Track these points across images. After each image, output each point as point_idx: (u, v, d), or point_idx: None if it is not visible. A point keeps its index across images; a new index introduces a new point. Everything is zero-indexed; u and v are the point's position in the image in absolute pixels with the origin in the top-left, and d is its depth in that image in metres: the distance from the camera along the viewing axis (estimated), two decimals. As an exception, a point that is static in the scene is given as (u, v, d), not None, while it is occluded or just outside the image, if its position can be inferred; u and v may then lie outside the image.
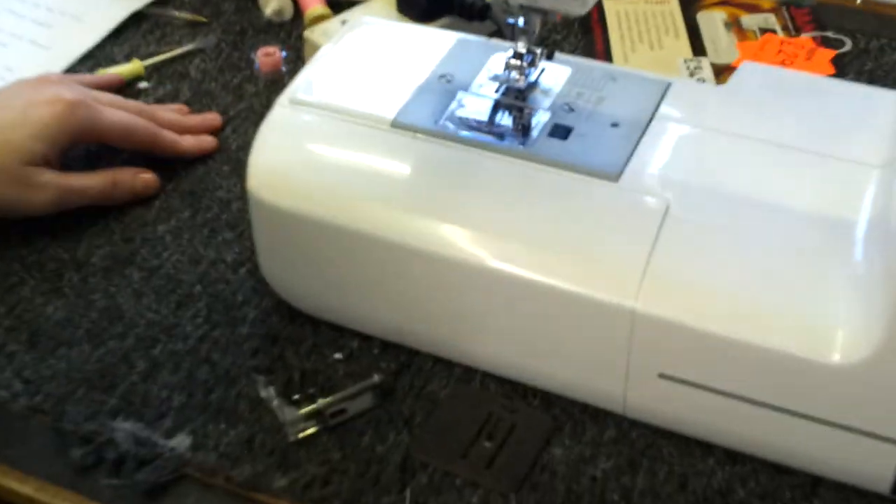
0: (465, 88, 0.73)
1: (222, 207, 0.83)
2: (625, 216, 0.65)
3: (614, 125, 0.70)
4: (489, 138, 0.70)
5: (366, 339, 0.73)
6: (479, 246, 0.65)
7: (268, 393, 0.69)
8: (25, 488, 0.66)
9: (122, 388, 0.71)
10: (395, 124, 0.71)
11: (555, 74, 0.74)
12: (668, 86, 0.73)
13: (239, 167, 0.85)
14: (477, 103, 0.72)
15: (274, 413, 0.68)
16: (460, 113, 0.72)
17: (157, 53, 0.97)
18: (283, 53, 0.95)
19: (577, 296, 0.63)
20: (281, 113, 0.73)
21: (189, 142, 0.87)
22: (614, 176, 0.66)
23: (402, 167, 0.69)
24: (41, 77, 0.84)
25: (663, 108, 0.71)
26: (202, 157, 0.87)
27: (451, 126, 0.71)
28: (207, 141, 0.88)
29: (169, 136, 0.86)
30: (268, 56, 0.94)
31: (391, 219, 0.67)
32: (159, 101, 0.93)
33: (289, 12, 1.00)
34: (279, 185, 0.70)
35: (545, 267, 0.64)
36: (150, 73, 0.95)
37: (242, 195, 0.83)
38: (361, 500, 0.64)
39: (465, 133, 0.70)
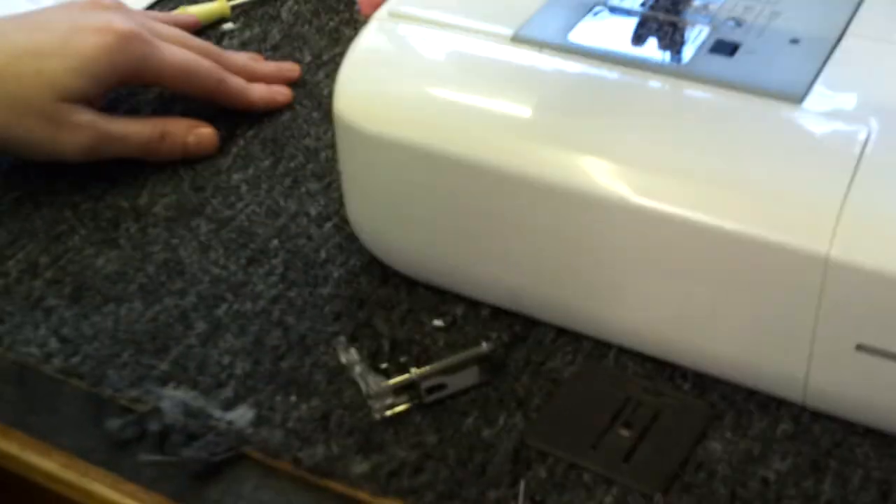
0: (604, 2, 0.60)
1: (308, 156, 0.70)
2: (813, 144, 0.50)
3: (794, 41, 0.56)
4: (634, 54, 0.56)
5: (472, 305, 0.59)
6: (625, 180, 0.51)
7: (349, 357, 0.55)
8: (48, 463, 0.54)
9: (176, 351, 0.58)
10: (518, 38, 0.57)
11: (712, -15, 0.60)
12: (859, 2, 0.58)
13: (331, 114, 0.73)
14: (618, 17, 0.59)
15: (356, 385, 0.55)
16: (598, 27, 0.58)
17: (246, -6, 0.85)
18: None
19: (750, 240, 0.48)
20: (378, 26, 0.60)
21: (259, 91, 0.74)
22: (797, 97, 0.52)
23: (525, 86, 0.56)
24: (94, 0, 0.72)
25: (855, 25, 0.57)
26: (289, 104, 0.75)
27: (586, 41, 0.57)
28: (281, 93, 0.75)
29: (236, 82, 0.73)
30: (369, -4, 0.82)
31: (512, 146, 0.53)
32: (244, 45, 0.81)
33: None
34: (373, 106, 0.57)
35: (711, 205, 0.49)
36: (237, 15, 0.84)
37: (334, 143, 0.70)
38: (462, 494, 0.50)
39: (603, 48, 0.56)
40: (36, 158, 0.68)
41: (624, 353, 0.56)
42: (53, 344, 0.59)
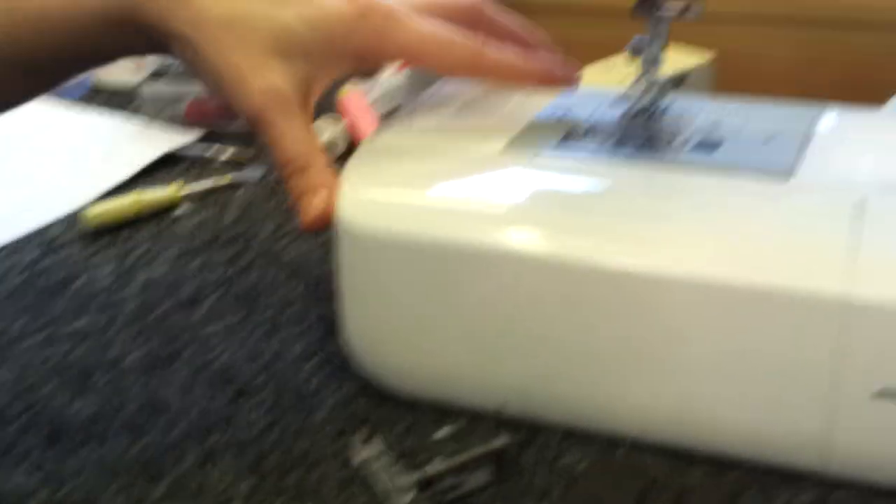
0: (585, 118, 0.63)
1: (283, 306, 0.70)
2: (814, 202, 0.53)
3: (770, 138, 0.59)
4: (624, 152, 0.59)
5: (475, 416, 0.58)
6: (641, 254, 0.52)
7: (368, 452, 0.53)
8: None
9: (171, 477, 0.55)
10: (508, 150, 0.60)
11: (683, 104, 0.64)
12: (821, 110, 0.63)
13: (299, 272, 0.74)
14: (601, 126, 0.62)
15: (370, 489, 0.53)
16: (583, 139, 0.61)
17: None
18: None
19: (764, 292, 0.49)
20: (373, 144, 0.62)
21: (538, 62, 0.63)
22: (785, 174, 0.55)
23: (527, 182, 0.57)
24: None
25: (822, 126, 0.61)
26: (253, 265, 0.75)
27: (575, 146, 0.60)
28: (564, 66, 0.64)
29: (501, 54, 0.62)
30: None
31: (523, 237, 0.54)
32: (199, 226, 0.81)
33: (342, 146, 0.90)
34: (380, 206, 0.57)
35: (721, 264, 0.51)
36: (189, 203, 0.85)
37: (306, 295, 0.71)
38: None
39: (593, 151, 0.59)
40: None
41: (636, 446, 0.55)
42: (36, 479, 0.55)
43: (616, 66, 0.95)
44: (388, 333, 0.59)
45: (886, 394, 0.49)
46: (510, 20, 0.65)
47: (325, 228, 0.58)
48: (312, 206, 0.57)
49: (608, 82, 0.90)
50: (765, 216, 0.52)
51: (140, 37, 0.58)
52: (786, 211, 0.52)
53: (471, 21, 0.63)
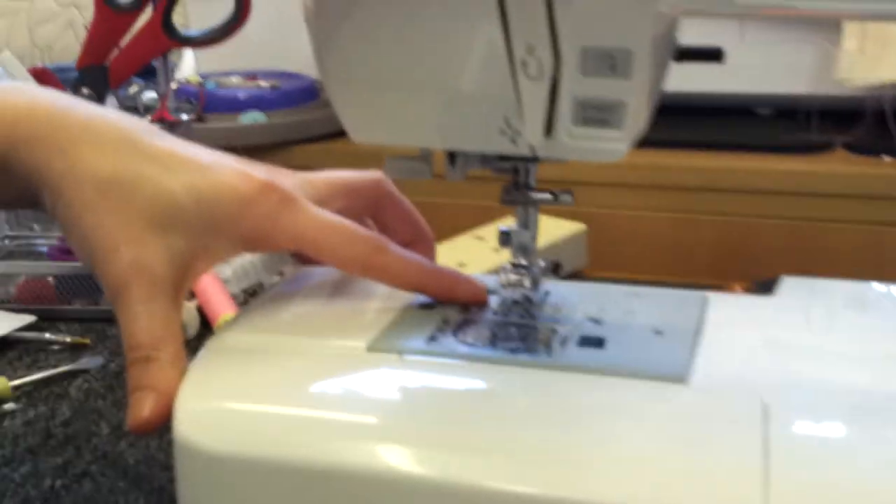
0: (454, 312, 0.58)
1: (120, 525, 0.62)
2: (717, 421, 0.47)
3: (658, 333, 0.55)
4: (501, 353, 0.53)
5: None
6: (536, 478, 0.46)
7: None
8: None
9: None
10: (374, 348, 0.54)
11: (560, 293, 0.59)
12: (705, 298, 0.59)
13: (140, 481, 0.65)
14: (471, 324, 0.56)
15: None
16: (453, 334, 0.55)
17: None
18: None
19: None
20: (220, 342, 0.55)
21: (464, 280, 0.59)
22: (680, 377, 0.50)
23: (390, 391, 0.51)
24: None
25: (711, 316, 0.56)
26: (87, 473, 0.66)
27: (446, 344, 0.54)
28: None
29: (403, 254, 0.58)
30: (171, 365, 0.76)
31: (387, 449, 0.48)
32: (29, 424, 0.73)
33: (193, 328, 0.83)
34: (223, 418, 0.50)
35: (631, 492, 0.45)
36: (19, 396, 0.76)
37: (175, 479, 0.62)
38: None
39: (466, 349, 0.53)
40: None
41: None
42: None
43: (462, 244, 0.91)
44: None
45: None
46: (409, 205, 0.62)
47: (153, 433, 0.51)
48: (141, 408, 0.51)
49: (456, 259, 0.86)
50: (666, 433, 0.47)
51: (11, 184, 0.52)
52: (687, 426, 0.47)
53: (374, 197, 0.60)
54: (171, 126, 0.92)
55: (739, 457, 0.45)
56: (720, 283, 0.88)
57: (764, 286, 0.82)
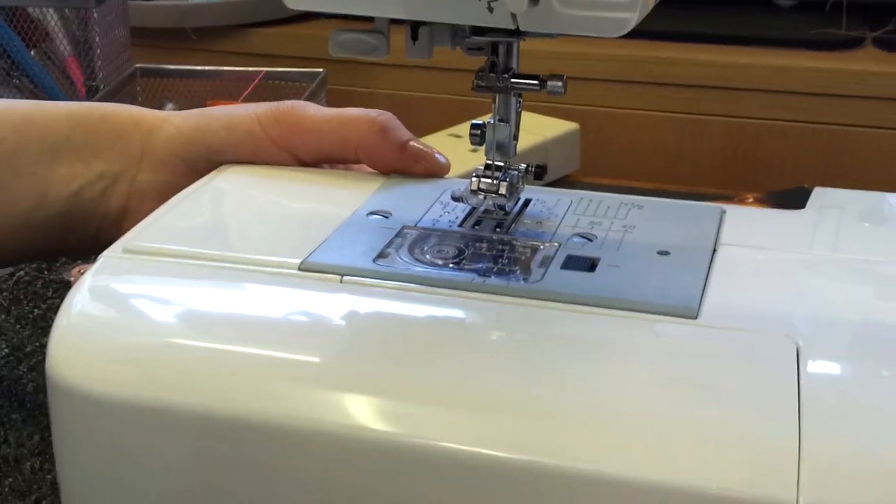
0: (412, 223, 0.47)
1: (8, 469, 0.51)
2: (737, 368, 0.37)
3: (663, 253, 0.44)
4: (467, 276, 0.42)
5: None
6: (493, 437, 0.36)
7: None
8: None
9: None
10: (307, 266, 0.43)
11: (544, 202, 0.49)
12: (721, 211, 0.48)
13: (37, 413, 0.55)
14: (433, 238, 0.46)
15: None
16: (408, 251, 0.44)
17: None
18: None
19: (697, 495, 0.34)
20: (107, 264, 0.44)
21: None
22: (691, 311, 0.39)
23: (325, 323, 0.41)
24: None
25: (727, 233, 0.46)
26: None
27: (398, 264, 0.43)
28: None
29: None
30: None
31: (315, 399, 0.37)
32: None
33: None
34: (109, 360, 0.40)
35: (638, 457, 0.35)
36: None
37: (42, 449, 0.52)
38: None
39: (423, 270, 0.43)
40: None
41: None
42: None
43: (436, 143, 0.80)
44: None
45: None
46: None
47: None
48: None
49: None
50: (673, 382, 0.36)
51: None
52: (699, 374, 0.37)
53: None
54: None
55: (768, 413, 0.35)
56: (730, 192, 0.78)
57: (781, 198, 0.72)
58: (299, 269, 0.43)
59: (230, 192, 0.51)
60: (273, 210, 0.49)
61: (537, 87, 0.45)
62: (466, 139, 0.81)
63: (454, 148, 0.77)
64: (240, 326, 0.41)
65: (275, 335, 0.40)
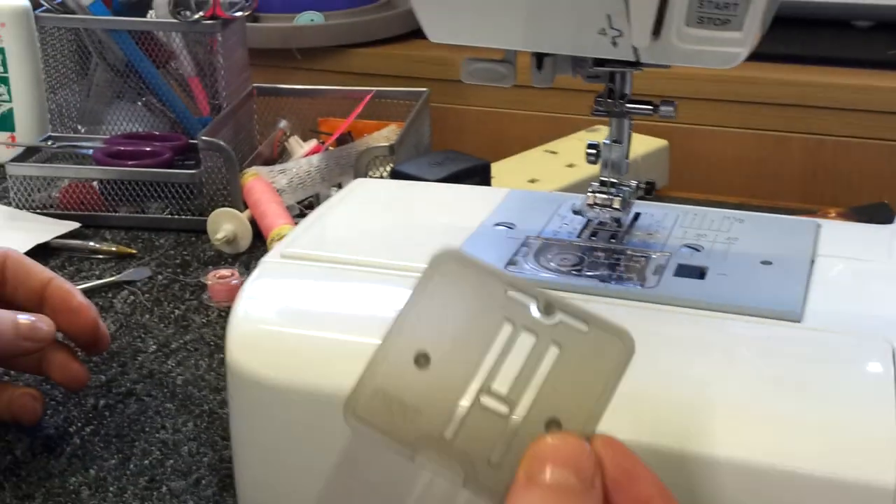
0: (535, 234, 0.52)
1: (166, 452, 0.57)
2: (841, 366, 0.42)
3: (766, 263, 0.49)
4: (588, 281, 0.47)
5: None
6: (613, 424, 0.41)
7: None
8: None
9: None
10: (446, 272, 0.48)
11: (654, 216, 0.54)
12: (818, 226, 0.52)
13: (188, 403, 0.61)
14: (555, 248, 0.51)
15: None
16: (534, 259, 0.50)
17: (71, 287, 0.73)
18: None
19: (806, 480, 0.38)
20: (272, 265, 0.50)
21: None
22: (795, 315, 0.44)
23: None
24: None
25: (824, 245, 0.50)
26: (133, 392, 0.62)
27: (527, 271, 0.48)
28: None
29: None
30: (222, 279, 0.71)
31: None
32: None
33: (246, 240, 0.78)
34: (278, 344, 0.45)
35: (756, 445, 0.39)
36: (61, 307, 0.72)
37: (196, 436, 0.58)
38: None
39: (549, 276, 0.48)
40: None
41: None
42: None
43: (533, 159, 0.85)
44: (292, 498, 0.46)
45: None
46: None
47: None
48: None
49: (526, 176, 0.80)
50: (781, 378, 0.41)
51: None
52: (805, 371, 0.41)
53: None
54: (224, 23, 0.86)
55: (869, 408, 0.39)
56: (811, 207, 0.81)
57: (862, 212, 0.76)
58: (439, 274, 0.48)
59: (368, 203, 0.57)
60: (408, 220, 0.55)
61: (651, 112, 0.51)
62: (562, 155, 0.86)
63: (551, 163, 0.82)
64: (388, 323, 0.46)
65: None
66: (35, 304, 0.59)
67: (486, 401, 0.35)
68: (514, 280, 0.36)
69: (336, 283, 0.49)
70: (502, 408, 0.35)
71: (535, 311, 0.36)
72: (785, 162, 1.04)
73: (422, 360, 0.36)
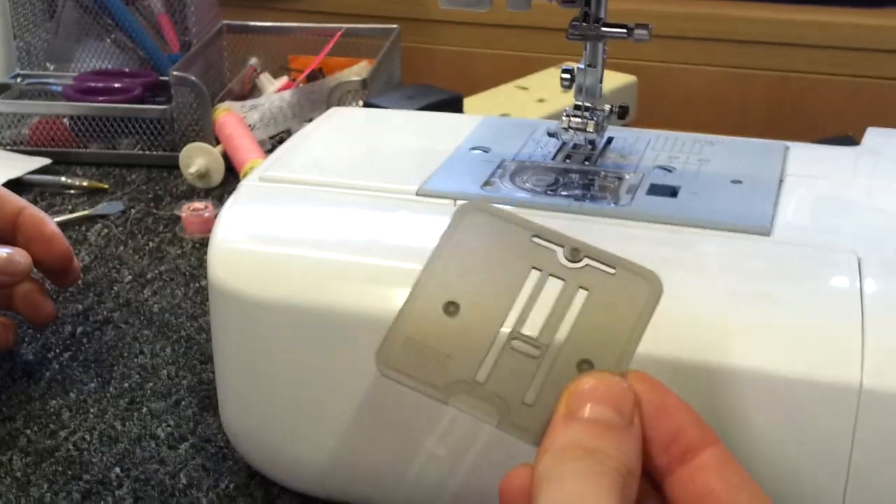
0: (511, 157, 0.53)
1: (146, 375, 0.58)
2: (808, 277, 0.43)
3: (736, 182, 0.50)
4: (564, 200, 0.48)
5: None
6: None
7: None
8: None
9: None
10: (424, 192, 0.49)
11: (626, 139, 0.55)
12: (786, 148, 0.54)
13: (166, 330, 0.61)
14: (530, 170, 0.52)
15: None
16: (510, 180, 0.51)
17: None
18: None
19: (776, 380, 0.40)
20: (251, 188, 0.51)
21: None
22: (764, 229, 0.45)
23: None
24: None
25: (792, 166, 0.52)
26: (110, 320, 0.62)
27: (503, 190, 0.49)
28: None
29: None
30: (196, 212, 0.72)
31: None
32: (47, 270, 0.69)
33: (218, 175, 0.78)
34: (260, 261, 0.46)
35: (731, 347, 0.41)
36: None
37: (175, 360, 0.59)
38: None
39: (525, 195, 0.49)
40: None
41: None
42: None
43: (504, 94, 0.85)
44: (274, 413, 0.47)
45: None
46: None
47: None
48: None
49: (498, 110, 0.81)
50: (752, 289, 0.42)
51: None
52: (775, 282, 0.43)
53: None
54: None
55: (836, 315, 0.41)
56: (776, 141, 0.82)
57: (828, 144, 0.77)
58: (416, 194, 0.49)
59: (345, 130, 0.57)
60: (385, 145, 0.55)
61: (625, 35, 0.51)
62: (533, 90, 0.87)
63: (522, 98, 0.83)
64: (367, 241, 0.47)
65: (401, 250, 0.46)
66: (8, 232, 0.60)
67: (518, 344, 0.36)
68: (540, 228, 0.37)
69: (315, 204, 0.49)
70: (534, 350, 0.36)
71: (561, 257, 0.37)
72: (750, 98, 1.06)
73: (451, 308, 0.36)
